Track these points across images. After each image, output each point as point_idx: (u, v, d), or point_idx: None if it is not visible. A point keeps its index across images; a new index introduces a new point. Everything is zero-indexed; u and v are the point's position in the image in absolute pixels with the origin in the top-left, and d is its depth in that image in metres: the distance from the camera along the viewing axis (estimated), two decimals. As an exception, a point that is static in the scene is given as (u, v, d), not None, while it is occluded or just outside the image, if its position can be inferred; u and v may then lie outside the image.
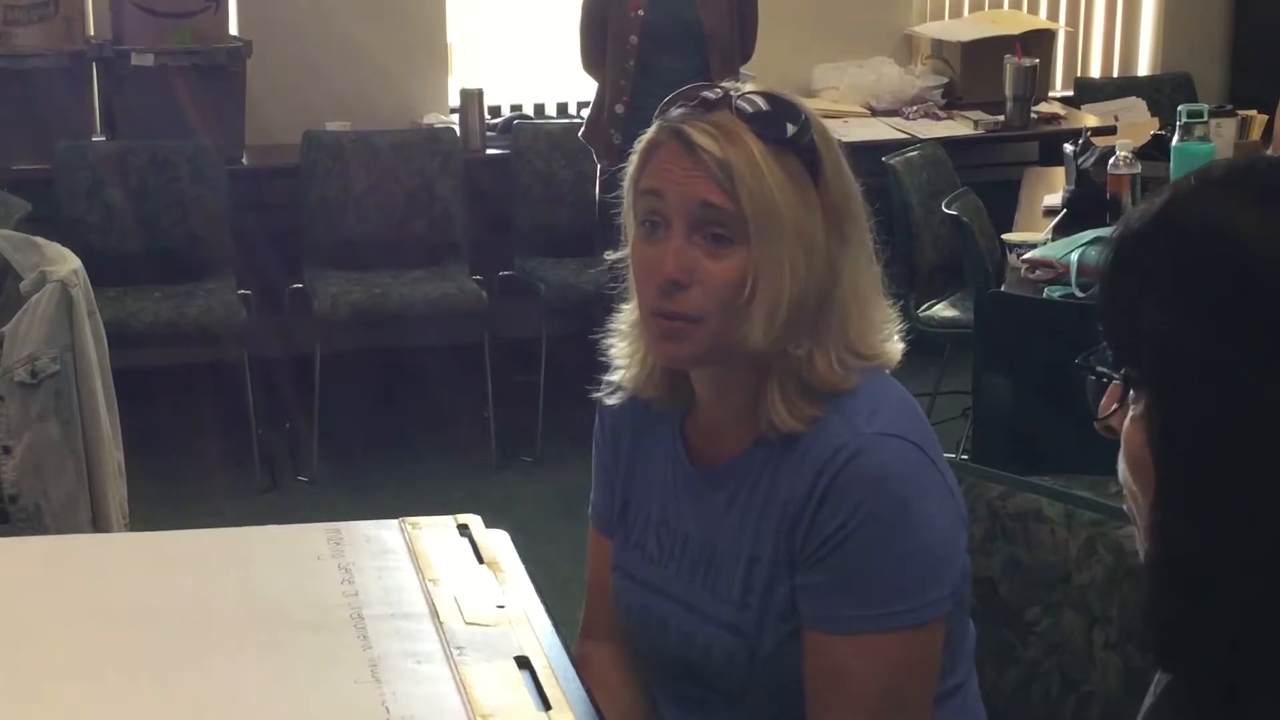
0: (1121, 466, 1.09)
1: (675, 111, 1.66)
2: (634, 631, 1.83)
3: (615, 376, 1.80)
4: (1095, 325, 1.09)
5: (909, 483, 1.62)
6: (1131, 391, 1.07)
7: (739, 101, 1.64)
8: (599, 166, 4.92)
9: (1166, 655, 1.08)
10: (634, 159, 1.70)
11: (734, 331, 1.63)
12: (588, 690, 1.68)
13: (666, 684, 1.82)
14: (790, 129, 1.63)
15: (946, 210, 4.39)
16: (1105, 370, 1.09)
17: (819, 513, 1.62)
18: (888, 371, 1.72)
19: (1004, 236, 4.25)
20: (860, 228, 1.68)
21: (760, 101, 1.64)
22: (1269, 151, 4.89)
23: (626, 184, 1.71)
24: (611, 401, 1.82)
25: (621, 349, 1.79)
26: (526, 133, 5.61)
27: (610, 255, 1.78)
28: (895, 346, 1.72)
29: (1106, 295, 1.09)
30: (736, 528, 1.70)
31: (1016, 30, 6.20)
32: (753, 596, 1.68)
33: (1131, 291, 1.06)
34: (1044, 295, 3.66)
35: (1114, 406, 1.09)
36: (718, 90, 1.66)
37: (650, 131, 1.68)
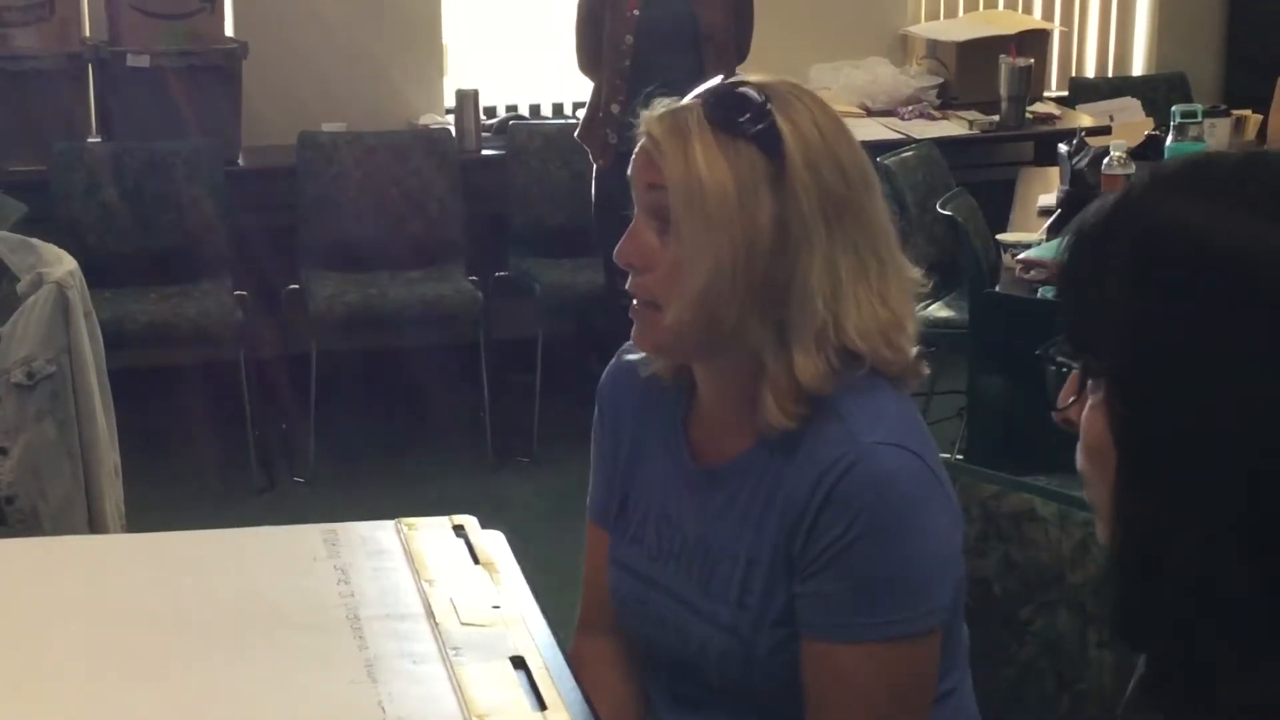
0: (1080, 456, 1.12)
1: (661, 103, 1.70)
2: (630, 626, 1.84)
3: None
4: (1055, 317, 1.13)
5: (909, 492, 1.61)
6: (1090, 380, 1.10)
7: (714, 90, 1.66)
8: (595, 167, 4.92)
9: (1130, 635, 1.10)
10: None
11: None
12: (583, 690, 1.69)
13: (662, 679, 1.82)
14: (739, 117, 1.63)
15: (941, 210, 4.40)
16: (1065, 360, 1.12)
17: (818, 521, 1.62)
18: (907, 380, 1.70)
19: (999, 236, 4.26)
20: (853, 218, 1.65)
21: (720, 91, 1.66)
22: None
23: None
24: (635, 360, 1.82)
25: None
26: (522, 133, 5.62)
27: None
28: (903, 350, 1.68)
29: (1065, 287, 1.12)
30: (736, 529, 1.70)
31: (1011, 30, 6.21)
32: (750, 599, 1.68)
33: (1089, 282, 1.09)
34: (1038, 295, 3.66)
35: (1071, 399, 1.12)
36: (714, 83, 1.69)
37: None
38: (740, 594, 1.69)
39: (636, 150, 1.69)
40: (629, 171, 1.70)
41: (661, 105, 1.68)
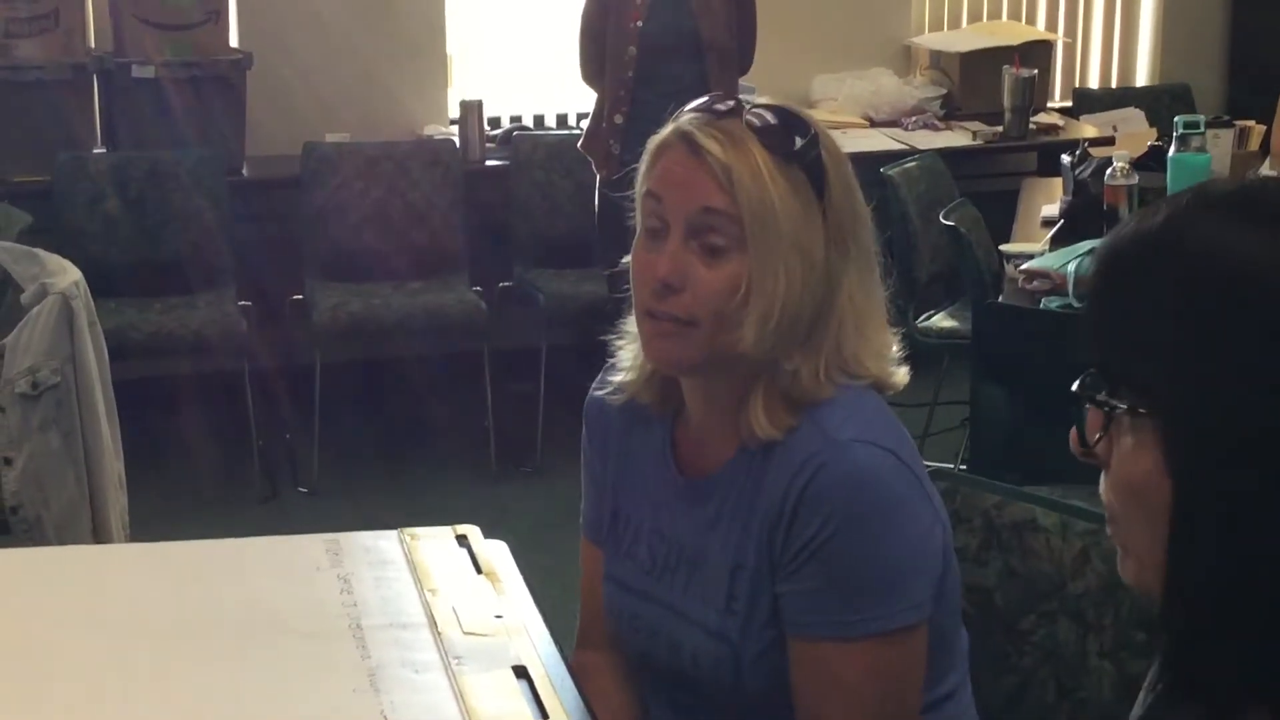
0: (1109, 492, 1.08)
1: (686, 117, 1.67)
2: (625, 640, 1.84)
3: (615, 377, 1.82)
4: (1086, 351, 1.07)
5: (882, 487, 1.63)
6: (1127, 419, 1.05)
7: (750, 113, 1.66)
8: (598, 177, 4.93)
9: (1188, 680, 1.05)
10: (643, 159, 1.70)
11: (727, 337, 1.64)
12: (585, 700, 1.69)
13: (659, 691, 1.83)
14: (797, 142, 1.64)
15: (945, 221, 4.40)
16: (1108, 400, 1.05)
17: (794, 521, 1.64)
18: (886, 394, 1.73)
19: (1002, 247, 4.26)
20: (864, 249, 1.69)
21: (769, 115, 1.66)
22: (1267, 162, 4.91)
23: (636, 185, 1.71)
24: (605, 394, 1.83)
25: (627, 351, 1.80)
26: (526, 144, 5.63)
27: (626, 260, 1.77)
28: (895, 371, 1.72)
29: (1104, 320, 1.07)
30: (723, 537, 1.71)
31: (1015, 41, 6.22)
32: (738, 604, 1.69)
33: (1135, 316, 1.04)
34: (1041, 306, 3.67)
35: (1098, 434, 1.06)
36: (730, 101, 1.68)
37: (660, 134, 1.69)
38: (728, 600, 1.70)
39: (675, 162, 1.65)
40: (656, 186, 1.66)
41: (695, 117, 1.66)
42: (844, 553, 1.61)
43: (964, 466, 4.17)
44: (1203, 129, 4.47)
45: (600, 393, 1.85)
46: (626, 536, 1.83)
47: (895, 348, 1.73)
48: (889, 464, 1.64)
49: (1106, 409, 1.06)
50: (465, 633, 1.77)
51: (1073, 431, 1.09)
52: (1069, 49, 6.67)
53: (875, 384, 1.71)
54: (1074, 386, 1.08)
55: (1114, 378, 1.05)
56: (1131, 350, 1.04)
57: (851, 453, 1.63)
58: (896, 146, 5.70)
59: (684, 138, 1.65)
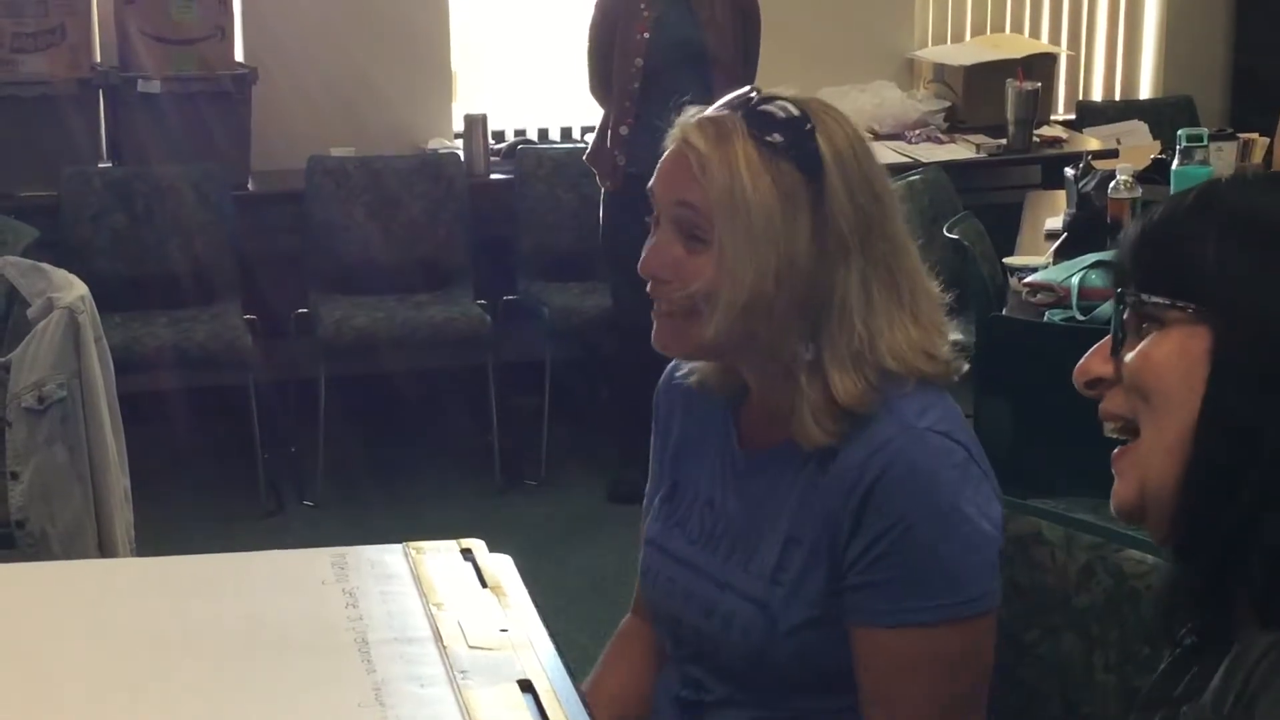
0: (1122, 401, 1.20)
1: (691, 111, 1.72)
2: (656, 603, 1.87)
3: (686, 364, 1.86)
4: (1127, 271, 1.21)
5: (955, 476, 1.65)
6: (1163, 325, 1.18)
7: (757, 105, 1.68)
8: (603, 190, 4.93)
9: (1193, 544, 1.18)
10: None
11: (731, 325, 1.67)
12: (589, 712, 1.69)
13: (679, 658, 1.86)
14: (782, 136, 1.65)
15: (948, 234, 4.40)
16: (1159, 300, 1.18)
17: (866, 508, 1.65)
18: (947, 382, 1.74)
19: (1005, 260, 4.26)
20: (879, 242, 1.68)
21: (774, 106, 1.68)
22: (1270, 174, 4.90)
23: None
24: (680, 375, 1.86)
25: None
26: (530, 157, 5.64)
27: None
28: (939, 363, 1.71)
29: (1160, 238, 1.22)
30: (778, 509, 1.73)
31: (1018, 54, 6.22)
32: (785, 575, 1.71)
33: (1189, 238, 1.19)
34: (1045, 319, 3.67)
35: (1122, 336, 1.20)
36: (753, 95, 1.70)
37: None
38: (775, 570, 1.72)
39: (667, 157, 1.70)
40: (653, 180, 1.72)
41: (695, 113, 1.70)
42: (917, 542, 1.63)
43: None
44: (1206, 142, 4.47)
45: (677, 375, 1.88)
46: (680, 508, 1.86)
47: (935, 336, 1.72)
48: (960, 456, 1.66)
49: (1151, 306, 1.18)
50: (470, 647, 1.77)
51: (1081, 362, 1.23)
52: (1072, 62, 6.67)
53: (930, 377, 1.70)
54: (1117, 288, 1.21)
55: (1161, 283, 1.18)
56: (1188, 268, 1.18)
57: (926, 441, 1.64)
58: (900, 159, 5.71)
59: (680, 132, 1.69)
